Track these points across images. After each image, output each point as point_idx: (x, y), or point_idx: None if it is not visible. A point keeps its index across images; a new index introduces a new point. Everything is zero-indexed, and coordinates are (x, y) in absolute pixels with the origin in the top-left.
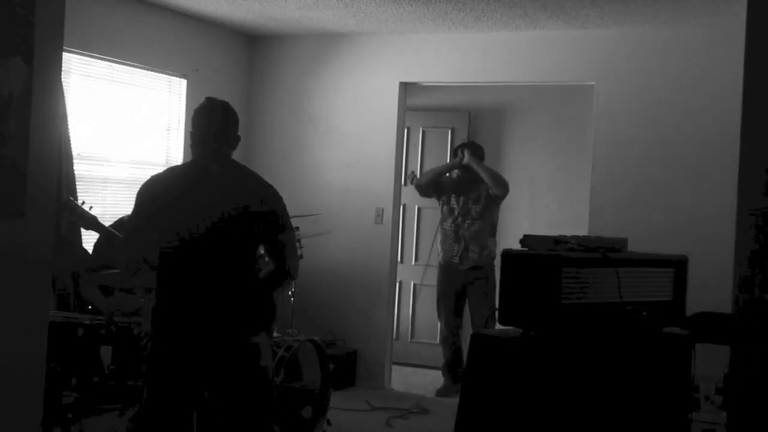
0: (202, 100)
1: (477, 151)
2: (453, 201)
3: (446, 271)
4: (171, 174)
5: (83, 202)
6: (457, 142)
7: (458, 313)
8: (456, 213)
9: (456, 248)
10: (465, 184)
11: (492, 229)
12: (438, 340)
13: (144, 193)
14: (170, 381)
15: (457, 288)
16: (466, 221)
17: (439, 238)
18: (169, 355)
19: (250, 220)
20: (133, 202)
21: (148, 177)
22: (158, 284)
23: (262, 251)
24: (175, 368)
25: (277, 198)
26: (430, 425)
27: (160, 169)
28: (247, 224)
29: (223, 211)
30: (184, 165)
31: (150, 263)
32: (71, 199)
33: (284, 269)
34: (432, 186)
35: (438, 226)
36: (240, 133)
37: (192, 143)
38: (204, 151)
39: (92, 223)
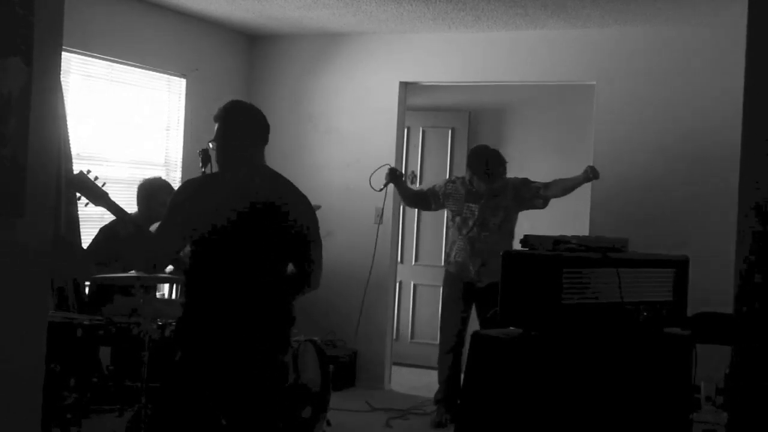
0: (201, 99)
1: (498, 165)
2: (466, 211)
3: (458, 284)
4: (209, 181)
5: (96, 178)
6: (458, 142)
7: (461, 335)
8: (471, 223)
9: (472, 264)
10: (480, 193)
11: (511, 239)
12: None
13: (180, 197)
14: (192, 394)
15: (467, 305)
16: (483, 233)
17: (455, 249)
18: (194, 369)
19: (283, 232)
20: (168, 204)
21: (186, 181)
22: (187, 295)
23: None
24: (201, 382)
25: (309, 210)
26: (431, 426)
27: (160, 169)
28: (279, 236)
29: (257, 222)
30: (223, 172)
31: (181, 263)
32: (82, 171)
33: (307, 279)
34: (421, 204)
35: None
36: None
37: (218, 148)
38: (234, 160)
39: (103, 198)
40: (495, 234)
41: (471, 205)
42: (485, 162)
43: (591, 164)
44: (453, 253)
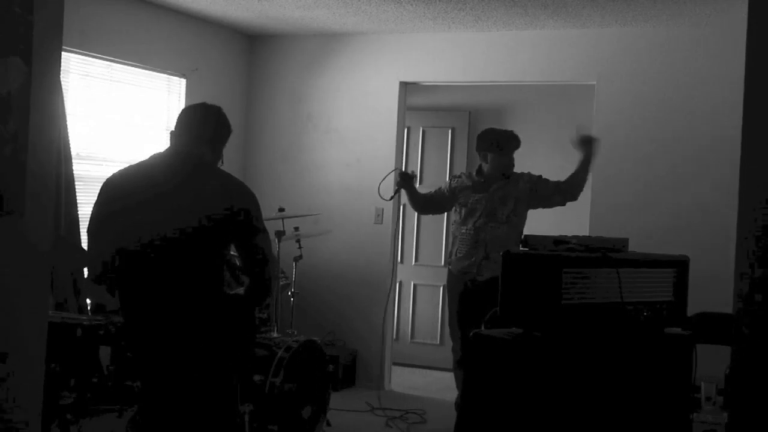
0: (201, 99)
1: (508, 138)
2: (472, 202)
3: (460, 284)
4: (138, 171)
5: None
6: (458, 142)
7: (471, 328)
8: (477, 214)
9: (474, 256)
10: (488, 182)
11: (519, 237)
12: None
13: (111, 189)
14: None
15: (474, 307)
16: (490, 224)
17: (457, 244)
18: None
19: (222, 224)
20: (98, 197)
21: (113, 174)
22: (121, 297)
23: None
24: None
25: (250, 197)
26: (431, 426)
27: None
28: (218, 228)
29: (191, 213)
30: (151, 162)
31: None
32: None
33: (263, 283)
34: (433, 208)
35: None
36: (239, 133)
37: (170, 139)
38: (173, 149)
39: None
40: (502, 226)
41: (478, 195)
42: (494, 135)
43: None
44: (455, 249)
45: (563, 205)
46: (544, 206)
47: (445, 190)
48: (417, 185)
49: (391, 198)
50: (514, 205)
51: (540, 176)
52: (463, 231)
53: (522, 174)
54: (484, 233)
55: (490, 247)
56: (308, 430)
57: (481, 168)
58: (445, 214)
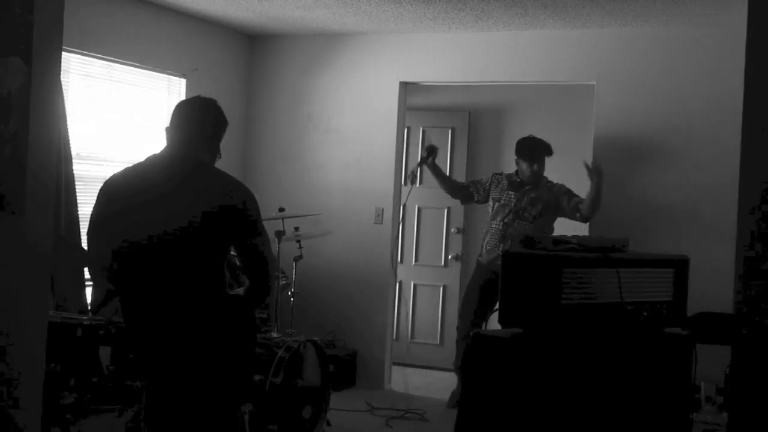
0: None
1: (542, 148)
2: (505, 198)
3: (484, 271)
4: (137, 172)
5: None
6: (458, 142)
7: (482, 317)
8: (507, 210)
9: (500, 248)
10: (522, 182)
11: None
12: (438, 341)
13: (110, 191)
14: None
15: (488, 296)
16: (517, 221)
17: (487, 237)
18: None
19: (219, 222)
20: (98, 199)
21: (112, 175)
22: (122, 298)
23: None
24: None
25: (249, 197)
26: (431, 426)
27: None
28: (216, 227)
29: (190, 213)
30: (150, 163)
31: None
32: None
33: (263, 284)
34: (460, 192)
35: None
36: (239, 132)
37: (166, 137)
38: (170, 149)
39: None
40: (529, 225)
41: (511, 193)
42: (529, 143)
43: (585, 162)
44: (485, 242)
45: (585, 222)
46: (567, 217)
47: (486, 183)
48: (417, 184)
49: (413, 179)
50: (542, 208)
51: (569, 191)
52: (494, 225)
53: (555, 184)
54: (512, 229)
55: (515, 241)
56: (308, 430)
57: (518, 172)
58: (446, 213)
